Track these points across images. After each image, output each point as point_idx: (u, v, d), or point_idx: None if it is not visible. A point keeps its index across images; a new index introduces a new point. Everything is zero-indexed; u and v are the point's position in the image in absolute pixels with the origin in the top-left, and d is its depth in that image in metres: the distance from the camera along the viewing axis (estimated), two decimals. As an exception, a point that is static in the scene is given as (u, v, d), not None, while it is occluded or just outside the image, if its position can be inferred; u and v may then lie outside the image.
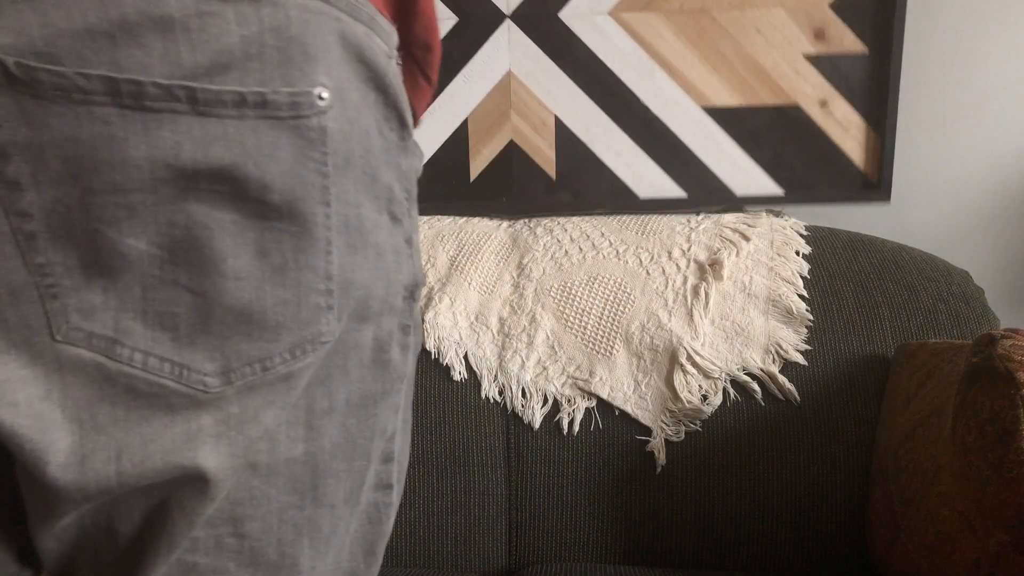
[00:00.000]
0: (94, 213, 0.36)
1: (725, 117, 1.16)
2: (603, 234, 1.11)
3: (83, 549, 0.43)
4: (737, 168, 1.17)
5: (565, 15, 1.16)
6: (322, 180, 0.40)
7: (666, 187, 1.18)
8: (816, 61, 1.14)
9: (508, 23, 1.18)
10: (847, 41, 1.13)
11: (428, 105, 0.58)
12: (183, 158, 0.36)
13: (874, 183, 1.15)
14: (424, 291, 1.08)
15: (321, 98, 0.39)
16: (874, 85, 1.14)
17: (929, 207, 1.28)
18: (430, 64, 0.54)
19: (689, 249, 1.08)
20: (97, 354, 0.38)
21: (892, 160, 1.14)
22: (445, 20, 1.18)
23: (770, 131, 1.16)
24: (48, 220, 0.36)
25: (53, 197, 0.36)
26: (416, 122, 0.56)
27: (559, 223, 1.15)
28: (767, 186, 1.16)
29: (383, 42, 0.44)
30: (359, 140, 0.43)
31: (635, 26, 1.15)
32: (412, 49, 0.53)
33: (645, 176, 1.18)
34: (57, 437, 0.38)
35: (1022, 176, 1.26)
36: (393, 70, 0.45)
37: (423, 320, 1.05)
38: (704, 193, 1.17)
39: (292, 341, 0.41)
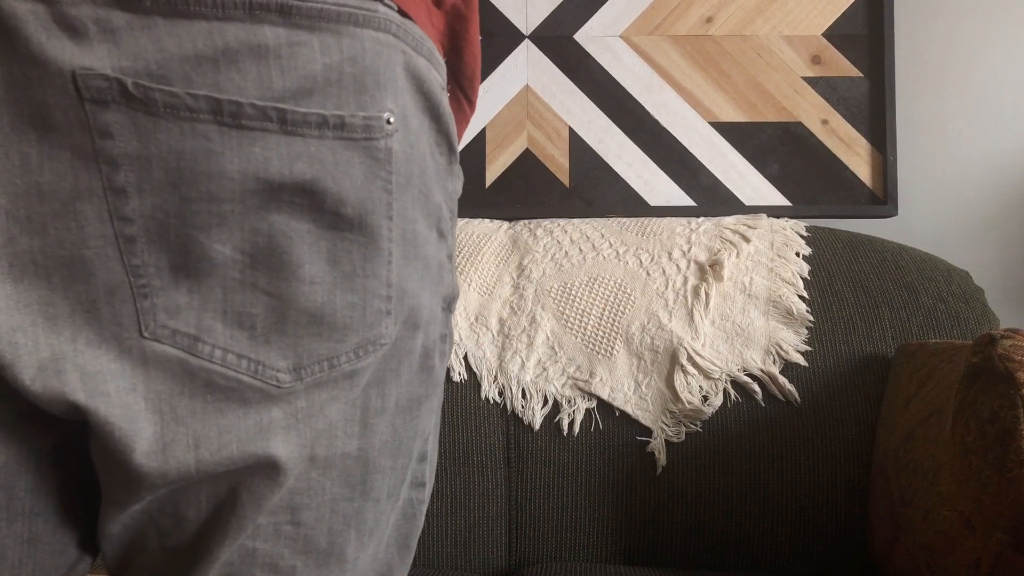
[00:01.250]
0: (189, 220, 0.40)
1: (731, 132, 1.22)
2: (603, 235, 1.12)
3: (146, 534, 0.46)
4: (745, 180, 1.22)
5: (580, 37, 1.24)
6: (387, 196, 0.45)
7: (676, 196, 1.22)
8: (814, 83, 1.20)
9: (527, 42, 1.26)
10: (842, 66, 1.20)
11: (467, 127, 0.62)
12: (271, 172, 0.41)
13: (880, 198, 1.19)
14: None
15: (389, 122, 0.44)
16: (872, 105, 1.20)
17: (931, 211, 1.28)
18: (474, 91, 0.59)
19: (689, 250, 1.08)
20: (180, 350, 0.42)
21: (896, 175, 1.18)
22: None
23: (775, 146, 1.21)
24: (147, 225, 0.40)
25: (153, 204, 0.40)
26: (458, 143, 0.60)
27: (559, 224, 1.15)
28: (774, 198, 1.21)
29: (438, 75, 0.49)
30: (417, 162, 0.47)
31: (645, 48, 1.23)
32: (460, 79, 0.58)
33: (656, 186, 1.23)
34: (142, 427, 0.41)
35: (1022, 176, 1.26)
36: (445, 100, 0.50)
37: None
38: (714, 203, 1.21)
39: (357, 342, 0.45)
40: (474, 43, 0.56)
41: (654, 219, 1.14)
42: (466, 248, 1.12)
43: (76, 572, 0.49)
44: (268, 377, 0.43)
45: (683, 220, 1.14)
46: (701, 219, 1.14)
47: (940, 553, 0.72)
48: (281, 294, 0.42)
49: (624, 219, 1.15)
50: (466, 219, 1.20)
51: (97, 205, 0.40)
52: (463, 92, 0.59)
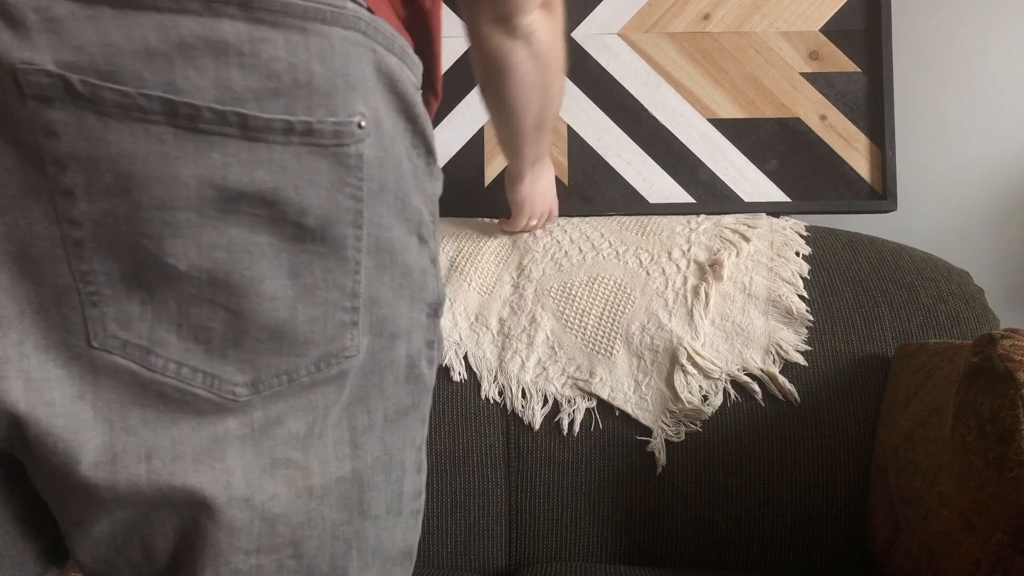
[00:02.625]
0: (140, 227, 0.38)
1: (730, 128, 1.21)
2: (603, 235, 1.11)
3: (119, 568, 0.44)
4: (744, 177, 1.21)
5: (577, 35, 1.23)
6: (356, 204, 0.42)
7: (676, 194, 1.22)
8: (812, 79, 1.20)
9: None
10: (840, 61, 1.20)
11: (433, 116, 0.61)
12: (229, 179, 0.38)
13: (879, 193, 1.19)
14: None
15: (360, 126, 0.41)
16: (870, 101, 1.19)
17: (930, 210, 1.28)
18: (438, 77, 0.57)
19: (689, 250, 1.08)
20: (131, 362, 0.40)
21: (895, 170, 1.18)
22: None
23: (774, 142, 1.20)
24: (96, 230, 0.38)
25: (103, 209, 0.38)
26: None
27: (559, 224, 1.15)
28: (773, 194, 1.20)
29: (412, 73, 0.47)
30: (392, 167, 0.45)
31: (642, 45, 1.22)
32: (428, 73, 0.56)
33: (655, 183, 1.22)
34: (89, 437, 0.39)
35: (1022, 176, 1.26)
36: (419, 100, 0.48)
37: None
38: (713, 200, 1.21)
39: (318, 355, 0.43)
40: (439, 33, 0.54)
41: (654, 218, 1.14)
42: (466, 248, 1.12)
43: None
44: (224, 391, 0.41)
45: (683, 219, 1.14)
46: (701, 219, 1.14)
47: (940, 553, 0.72)
48: (240, 310, 0.40)
49: (624, 218, 1.15)
50: (466, 218, 1.20)
51: (45, 205, 0.37)
52: (430, 85, 0.57)
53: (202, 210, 0.38)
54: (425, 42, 0.52)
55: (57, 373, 0.39)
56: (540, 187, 1.05)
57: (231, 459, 0.42)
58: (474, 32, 0.74)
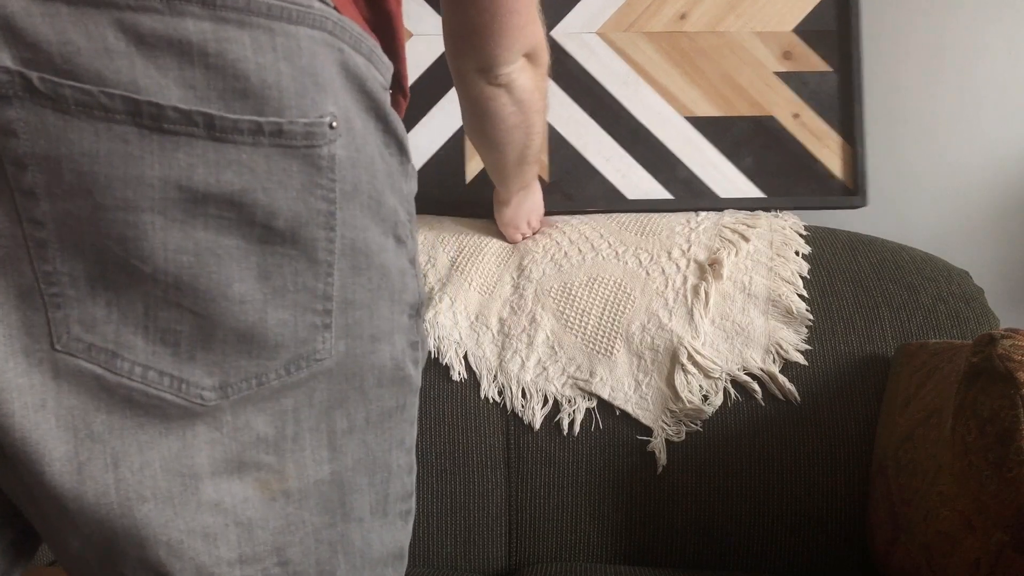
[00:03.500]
0: (103, 228, 0.37)
1: (706, 126, 1.23)
2: (602, 235, 1.12)
3: None
4: (721, 173, 1.23)
5: (556, 33, 1.24)
6: (327, 206, 0.42)
7: (654, 190, 1.23)
8: (786, 78, 1.23)
9: None
10: (813, 61, 1.22)
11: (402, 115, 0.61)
12: (195, 180, 0.37)
13: (851, 189, 1.21)
14: (424, 291, 1.08)
15: (332, 127, 0.41)
16: (842, 99, 1.22)
17: (903, 203, 1.29)
18: (405, 77, 0.57)
19: (689, 249, 1.08)
20: (96, 366, 0.39)
21: (865, 167, 1.20)
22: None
23: (749, 139, 1.23)
24: (59, 231, 0.37)
25: (65, 209, 0.37)
26: None
27: (558, 225, 1.15)
28: (749, 190, 1.22)
29: (379, 73, 0.46)
30: (365, 167, 0.44)
31: (620, 44, 1.25)
32: (396, 74, 0.55)
33: (634, 180, 1.24)
34: (52, 446, 0.38)
35: (1022, 176, 1.26)
36: (387, 99, 0.47)
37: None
38: (691, 196, 1.23)
39: (288, 358, 0.42)
40: (403, 34, 0.54)
41: (653, 218, 1.14)
42: (467, 248, 1.12)
43: None
44: (192, 395, 0.40)
45: (682, 219, 1.14)
46: (701, 218, 1.14)
47: (940, 553, 0.72)
48: (208, 313, 0.39)
49: (623, 219, 1.15)
50: (466, 219, 1.20)
51: (6, 204, 0.36)
52: (398, 85, 0.56)
53: (168, 212, 0.37)
54: (390, 43, 0.52)
55: (18, 382, 0.38)
56: (525, 209, 1.09)
57: (199, 464, 0.41)
58: (458, 77, 0.77)
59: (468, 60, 0.74)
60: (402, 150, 0.49)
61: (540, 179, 1.23)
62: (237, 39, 0.37)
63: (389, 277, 0.47)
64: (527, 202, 1.09)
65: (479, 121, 0.83)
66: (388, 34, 0.51)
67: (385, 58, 0.47)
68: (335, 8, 0.43)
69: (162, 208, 0.37)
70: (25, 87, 0.35)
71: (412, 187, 0.51)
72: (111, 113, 0.36)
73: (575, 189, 1.24)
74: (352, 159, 0.43)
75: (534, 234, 1.15)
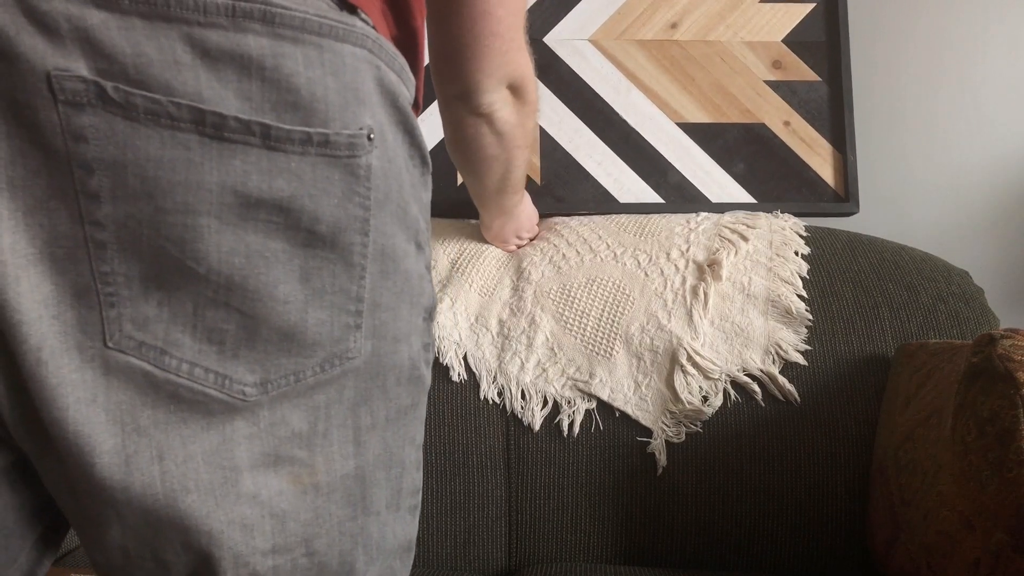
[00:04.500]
0: (163, 231, 0.39)
1: (698, 132, 1.25)
2: (600, 237, 1.12)
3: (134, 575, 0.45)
4: (713, 179, 1.24)
5: (549, 40, 1.27)
6: (364, 213, 0.44)
7: (645, 194, 1.25)
8: (776, 86, 1.24)
9: None
10: (802, 70, 1.24)
11: None
12: (250, 186, 0.40)
13: (842, 196, 1.22)
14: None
15: (370, 138, 0.44)
16: (831, 108, 1.23)
17: (893, 209, 1.29)
18: (420, 91, 0.59)
19: (688, 250, 1.08)
20: (145, 362, 0.41)
21: (856, 174, 1.22)
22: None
23: (740, 146, 1.24)
24: (119, 232, 0.39)
25: (127, 212, 0.39)
26: None
27: (557, 227, 1.15)
28: (741, 196, 1.24)
29: (407, 90, 0.49)
30: (395, 177, 0.47)
31: (612, 51, 1.26)
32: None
33: (625, 183, 1.25)
34: (102, 439, 0.41)
35: (1021, 177, 1.26)
36: (413, 114, 0.50)
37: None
38: (682, 201, 1.24)
39: (324, 356, 0.45)
40: (423, 50, 0.56)
41: (652, 219, 1.14)
42: (467, 250, 1.12)
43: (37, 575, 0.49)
44: (235, 391, 0.42)
45: (681, 219, 1.14)
46: (700, 218, 1.14)
47: (940, 553, 0.72)
48: (255, 313, 0.42)
49: (622, 220, 1.15)
50: (466, 220, 1.20)
51: (70, 207, 0.39)
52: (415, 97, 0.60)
53: (223, 215, 0.40)
54: (413, 59, 0.55)
55: (72, 377, 0.40)
56: (510, 229, 1.10)
57: (239, 458, 0.43)
58: (442, 102, 0.78)
59: (450, 85, 0.74)
60: (424, 161, 0.52)
61: (531, 181, 1.25)
62: (291, 55, 0.40)
63: (410, 281, 0.50)
64: (511, 224, 1.09)
65: (458, 146, 0.84)
66: (412, 51, 0.54)
67: (411, 75, 0.50)
68: (374, 27, 0.46)
69: (218, 212, 0.40)
70: (99, 95, 0.37)
71: (429, 196, 0.54)
72: (177, 121, 0.38)
73: (566, 192, 1.25)
74: (385, 169, 0.45)
75: (532, 240, 1.15)
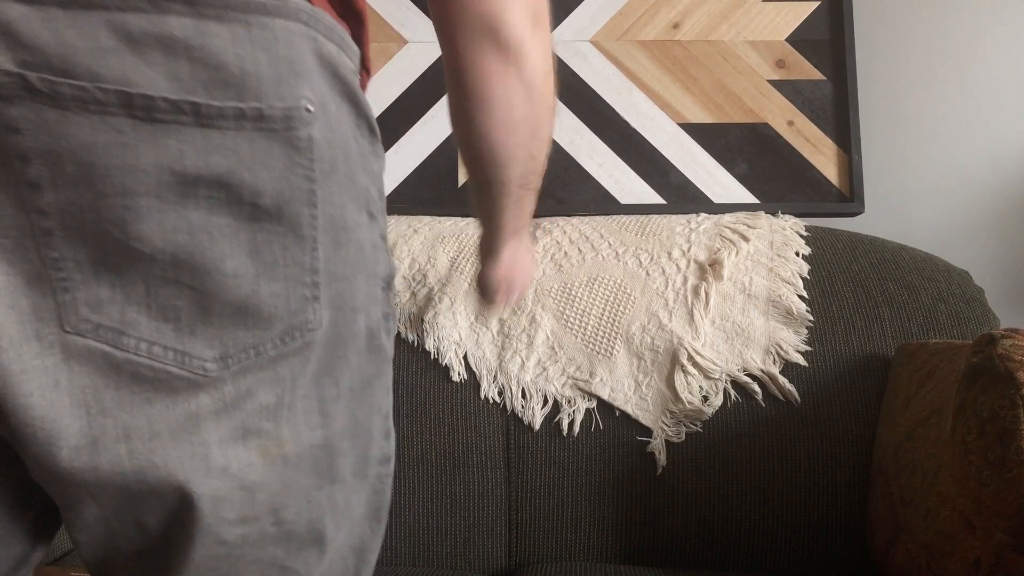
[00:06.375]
0: (104, 214, 0.40)
1: (700, 133, 1.24)
2: (602, 236, 1.11)
3: (117, 543, 0.46)
4: (715, 179, 1.24)
5: None
6: (308, 184, 0.44)
7: (647, 195, 1.25)
8: (779, 86, 1.24)
9: None
10: (806, 69, 1.24)
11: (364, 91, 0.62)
12: (186, 164, 0.40)
13: (847, 196, 1.22)
14: (424, 292, 1.08)
15: (308, 110, 0.44)
16: (836, 107, 1.23)
17: (899, 208, 1.29)
18: (368, 58, 0.58)
19: (689, 250, 1.08)
20: (104, 344, 0.41)
21: (861, 174, 1.21)
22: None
23: (743, 146, 1.24)
24: (63, 219, 0.40)
25: (68, 198, 0.40)
26: None
27: (559, 225, 1.15)
28: (743, 196, 1.23)
29: (349, 60, 0.49)
30: (340, 147, 0.47)
31: (614, 52, 1.26)
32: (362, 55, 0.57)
33: (626, 185, 1.25)
34: (67, 423, 0.41)
35: (1022, 176, 1.26)
36: (357, 83, 0.50)
37: (422, 320, 1.06)
38: (684, 202, 1.24)
39: (282, 329, 0.45)
40: (367, 18, 0.55)
41: (653, 219, 1.14)
42: (467, 248, 1.12)
43: (30, 561, 0.50)
44: (195, 367, 0.43)
45: (683, 219, 1.14)
46: (701, 218, 1.14)
47: (940, 553, 0.72)
48: (205, 288, 0.42)
49: (624, 219, 1.15)
50: (466, 219, 1.20)
51: (13, 197, 0.39)
52: (363, 66, 0.58)
53: (162, 195, 0.40)
54: (357, 29, 0.54)
55: (32, 364, 0.40)
56: (522, 264, 0.82)
57: (206, 432, 0.44)
58: (449, 47, 0.58)
59: (466, 17, 0.55)
60: (372, 130, 0.51)
61: None
62: (218, 33, 0.40)
63: (364, 251, 0.50)
64: (522, 255, 0.82)
65: (472, 113, 0.60)
66: (356, 20, 0.53)
67: (354, 45, 0.50)
68: (308, 0, 0.46)
69: (157, 192, 0.40)
70: (25, 87, 0.38)
71: (381, 165, 0.54)
72: (106, 107, 0.39)
73: (567, 193, 1.25)
74: (328, 140, 0.46)
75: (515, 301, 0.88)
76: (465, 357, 1.04)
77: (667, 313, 1.03)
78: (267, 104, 0.42)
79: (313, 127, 0.44)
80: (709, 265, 1.06)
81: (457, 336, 1.04)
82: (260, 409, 0.45)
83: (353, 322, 0.49)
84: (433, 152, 1.27)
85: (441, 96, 1.26)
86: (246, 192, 0.42)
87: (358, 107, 0.49)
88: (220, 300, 0.43)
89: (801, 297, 1.03)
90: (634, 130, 1.25)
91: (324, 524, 0.50)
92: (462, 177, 1.25)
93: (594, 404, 1.00)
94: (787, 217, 1.14)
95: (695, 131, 1.24)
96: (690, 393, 0.98)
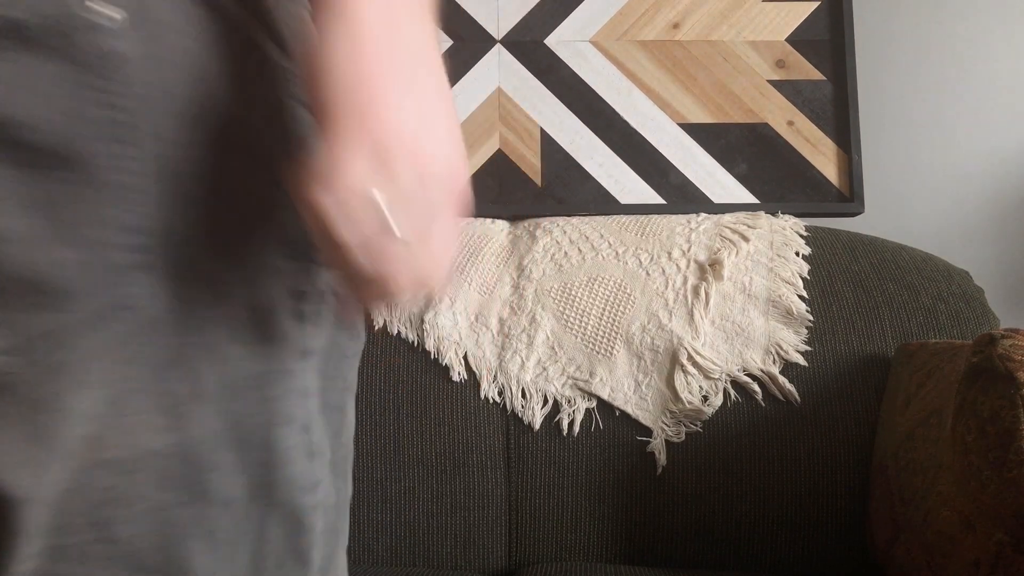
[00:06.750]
0: None
1: (699, 133, 1.25)
2: (602, 235, 1.11)
3: None
4: (715, 179, 1.24)
5: (550, 42, 1.27)
6: (110, 113, 0.34)
7: (647, 195, 1.25)
8: (779, 86, 1.24)
9: (498, 47, 1.28)
10: (806, 69, 1.24)
11: None
12: None
13: (847, 196, 1.22)
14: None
15: (112, 18, 0.34)
16: (836, 107, 1.23)
17: (899, 209, 1.29)
18: None
19: (689, 250, 1.08)
20: None
21: (861, 174, 1.21)
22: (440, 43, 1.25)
23: (743, 146, 1.24)
24: None
25: None
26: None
27: (559, 225, 1.15)
28: (743, 196, 1.24)
29: None
30: (183, 67, 0.36)
31: (614, 52, 1.26)
32: None
33: (626, 185, 1.25)
34: None
35: (1022, 176, 1.26)
36: None
37: (422, 320, 1.05)
38: (684, 202, 1.24)
39: (93, 308, 0.35)
40: None
41: (653, 218, 1.14)
42: (466, 248, 1.12)
43: None
44: None
45: (683, 219, 1.14)
46: (701, 218, 1.14)
47: (940, 553, 0.72)
48: None
49: (624, 219, 1.15)
50: (466, 219, 1.20)
51: None
52: None
53: None
54: None
55: None
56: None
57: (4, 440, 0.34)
58: None
59: None
60: (279, 41, 0.39)
61: (532, 183, 1.25)
62: None
63: (248, 206, 0.39)
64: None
65: None
66: None
67: None
68: None
69: None
70: None
71: (299, 95, 0.42)
72: None
73: (567, 193, 1.25)
74: (155, 56, 0.35)
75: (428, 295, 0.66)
76: (465, 357, 1.04)
77: (667, 313, 1.03)
78: (27, 15, 0.32)
79: (123, 40, 0.34)
80: (709, 265, 1.06)
81: (457, 336, 1.04)
82: (71, 411, 0.35)
83: (220, 301, 0.38)
84: None
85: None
86: (13, 131, 0.32)
87: (232, 9, 0.37)
88: (1, 274, 0.33)
89: (801, 297, 1.03)
90: (634, 130, 1.25)
91: (190, 550, 0.39)
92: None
93: (594, 404, 1.00)
94: (787, 217, 1.14)
95: (695, 131, 1.24)
96: (690, 393, 0.98)
